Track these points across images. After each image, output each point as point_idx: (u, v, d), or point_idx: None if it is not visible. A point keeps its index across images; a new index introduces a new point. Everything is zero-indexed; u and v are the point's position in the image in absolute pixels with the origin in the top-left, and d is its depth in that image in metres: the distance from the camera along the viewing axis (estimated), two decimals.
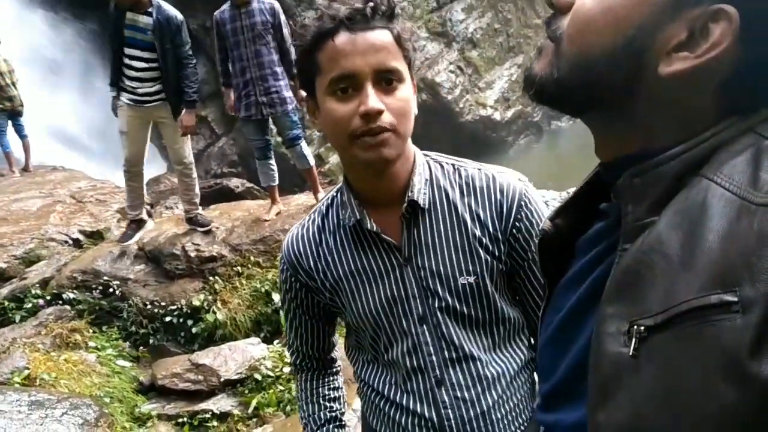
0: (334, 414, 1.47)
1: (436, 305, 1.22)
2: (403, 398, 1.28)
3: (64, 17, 11.99)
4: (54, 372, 3.93)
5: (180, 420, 3.88)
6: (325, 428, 1.45)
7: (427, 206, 1.22)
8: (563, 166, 9.12)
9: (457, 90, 10.75)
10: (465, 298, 1.22)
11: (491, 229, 1.23)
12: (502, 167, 1.31)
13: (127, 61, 4.68)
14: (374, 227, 1.22)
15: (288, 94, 4.96)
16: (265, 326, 4.68)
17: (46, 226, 6.19)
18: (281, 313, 4.50)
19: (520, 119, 11.70)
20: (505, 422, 1.26)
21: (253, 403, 3.84)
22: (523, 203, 1.24)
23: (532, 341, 1.36)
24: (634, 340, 0.54)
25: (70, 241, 6.01)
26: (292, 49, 4.97)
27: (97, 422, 3.37)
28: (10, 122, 9.13)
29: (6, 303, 4.90)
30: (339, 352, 1.54)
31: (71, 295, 4.86)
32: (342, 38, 1.10)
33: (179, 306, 4.78)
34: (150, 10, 4.59)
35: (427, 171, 1.25)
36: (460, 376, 1.24)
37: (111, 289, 4.91)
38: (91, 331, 4.64)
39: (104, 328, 4.75)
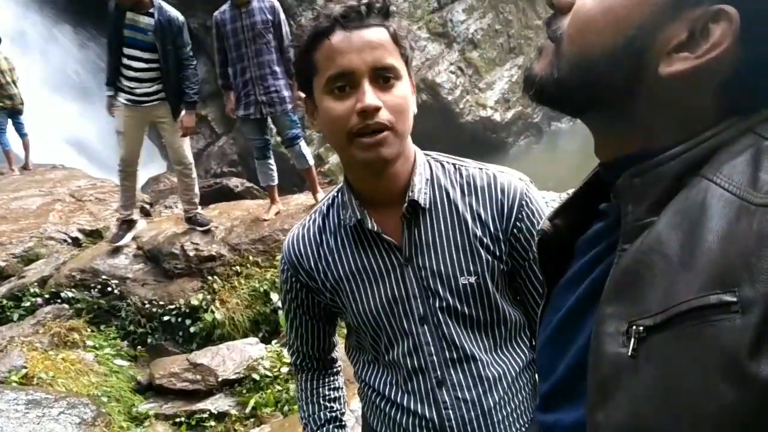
0: (334, 414, 1.47)
1: (437, 305, 1.22)
2: (403, 399, 1.27)
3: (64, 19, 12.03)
4: (51, 371, 3.93)
5: (177, 420, 3.87)
6: (325, 428, 1.45)
7: (427, 206, 1.22)
8: (563, 167, 9.12)
9: (458, 91, 10.76)
10: (466, 298, 1.22)
11: (492, 229, 1.22)
12: (504, 167, 1.31)
13: (125, 61, 4.68)
14: (375, 227, 1.22)
15: (287, 93, 4.97)
16: (264, 326, 4.68)
17: (46, 224, 6.20)
18: (280, 313, 4.51)
19: (520, 120, 11.71)
20: (507, 423, 1.26)
21: (251, 403, 3.83)
22: (524, 203, 1.23)
23: (534, 342, 1.35)
24: (633, 340, 0.54)
25: (69, 240, 6.01)
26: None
27: (95, 421, 3.36)
28: (10, 120, 9.13)
29: (4, 301, 4.90)
30: (339, 352, 1.53)
31: (69, 294, 4.86)
32: (338, 37, 1.10)
33: (178, 305, 4.78)
34: (151, 10, 4.59)
35: (427, 170, 1.25)
36: (461, 377, 1.24)
37: (109, 288, 4.91)
38: (89, 330, 4.63)
39: (102, 327, 4.75)
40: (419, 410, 1.25)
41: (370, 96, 1.08)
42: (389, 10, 1.14)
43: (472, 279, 1.21)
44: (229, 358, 4.20)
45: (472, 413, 1.23)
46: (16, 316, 4.75)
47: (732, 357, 0.47)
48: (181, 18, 4.72)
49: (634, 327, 0.54)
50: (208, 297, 4.80)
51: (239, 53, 4.86)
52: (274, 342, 4.43)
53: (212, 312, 4.65)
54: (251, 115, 4.97)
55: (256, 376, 4.01)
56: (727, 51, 0.56)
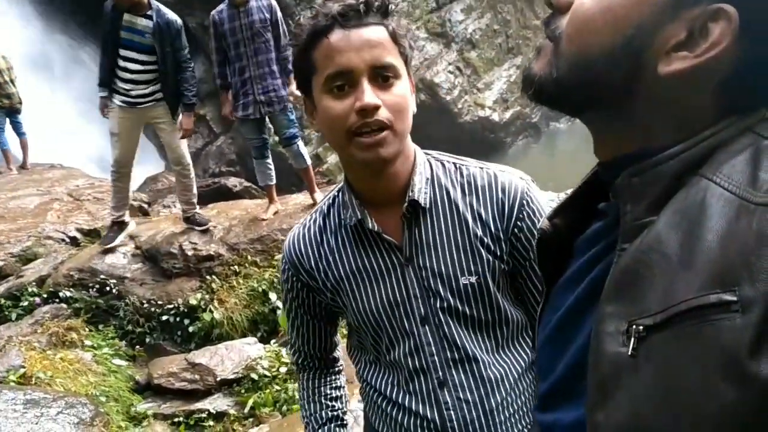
0: (335, 413, 1.46)
1: (438, 305, 1.22)
2: (405, 399, 1.27)
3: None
4: (50, 371, 3.92)
5: (176, 419, 3.87)
6: (326, 427, 1.44)
7: (428, 205, 1.22)
8: (561, 167, 9.12)
9: (456, 90, 10.76)
10: (467, 298, 1.21)
11: (493, 229, 1.22)
12: (505, 166, 1.30)
13: (121, 62, 4.66)
14: (375, 227, 1.21)
15: (285, 92, 4.96)
16: (262, 326, 4.68)
17: (44, 224, 6.18)
18: (278, 312, 4.51)
19: (518, 120, 11.71)
20: (509, 424, 1.25)
21: (250, 402, 3.83)
22: (525, 202, 1.22)
23: (535, 342, 1.35)
24: (633, 339, 0.54)
25: (68, 239, 6.00)
26: (290, 48, 4.97)
27: (93, 421, 3.36)
28: (7, 120, 9.12)
29: (2, 301, 4.88)
30: (341, 351, 1.53)
31: (68, 294, 4.85)
32: (336, 35, 1.10)
33: (176, 305, 4.77)
34: (149, 13, 4.58)
35: (428, 170, 1.25)
36: (463, 378, 1.23)
37: (108, 288, 4.90)
38: (87, 329, 4.63)
39: (101, 326, 4.75)
40: (421, 411, 1.25)
41: (369, 95, 1.08)
42: (388, 9, 1.13)
43: (473, 279, 1.20)
44: (227, 357, 4.19)
45: (474, 414, 1.23)
46: (14, 316, 4.75)
47: (732, 356, 0.47)
48: (179, 21, 4.73)
49: (634, 326, 0.54)
50: (207, 297, 4.79)
51: (238, 52, 4.86)
52: (272, 342, 4.43)
53: (210, 312, 4.64)
54: (250, 116, 4.96)
55: (254, 376, 4.00)
56: (726, 50, 0.56)
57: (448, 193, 1.23)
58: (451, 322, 1.22)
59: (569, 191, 0.79)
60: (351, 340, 1.42)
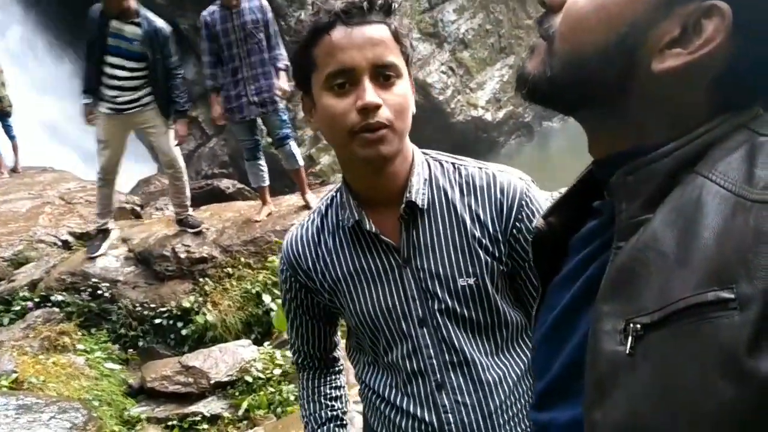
0: (335, 413, 1.45)
1: (436, 307, 1.21)
2: (403, 401, 1.26)
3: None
4: (42, 375, 3.90)
5: (170, 423, 3.87)
6: (325, 427, 1.43)
7: (426, 206, 1.20)
8: (554, 166, 9.15)
9: (449, 91, 10.77)
10: (465, 300, 1.20)
11: (491, 230, 1.21)
12: (504, 165, 1.29)
13: (108, 70, 4.63)
14: (373, 228, 1.21)
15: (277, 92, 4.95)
16: (256, 328, 4.67)
17: (35, 227, 6.15)
18: (272, 314, 4.50)
19: (511, 120, 11.74)
20: (508, 428, 1.24)
21: (244, 405, 3.82)
22: (524, 203, 1.21)
23: None
24: (630, 338, 0.53)
25: (59, 243, 5.97)
26: (279, 46, 4.96)
27: (86, 426, 3.34)
28: None
29: None
30: (342, 351, 1.53)
31: (60, 298, 4.83)
32: (338, 33, 1.09)
33: (169, 308, 4.77)
34: (137, 20, 4.57)
35: (426, 170, 1.23)
36: (461, 380, 1.22)
37: (100, 291, 4.88)
38: (79, 333, 4.61)
39: (93, 330, 4.73)
40: (419, 414, 1.24)
41: (370, 93, 1.07)
42: (391, 7, 1.13)
43: (471, 281, 1.19)
44: (221, 360, 4.18)
45: (472, 417, 1.22)
46: (6, 320, 4.72)
47: (730, 354, 0.47)
48: (168, 28, 4.73)
49: (631, 325, 0.54)
50: (200, 299, 4.78)
51: (230, 54, 4.84)
52: (266, 344, 4.42)
53: (204, 314, 4.63)
54: (246, 118, 4.95)
55: (248, 378, 3.99)
56: (719, 47, 0.56)
57: (446, 193, 1.22)
58: (449, 325, 1.21)
59: (563, 190, 0.79)
60: (350, 341, 1.41)
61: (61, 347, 4.39)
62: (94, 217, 5.31)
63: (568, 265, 0.71)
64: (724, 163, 0.54)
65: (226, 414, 3.84)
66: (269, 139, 5.41)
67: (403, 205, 1.19)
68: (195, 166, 10.28)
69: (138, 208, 7.31)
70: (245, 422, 3.77)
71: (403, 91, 1.12)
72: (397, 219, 1.20)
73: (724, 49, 0.56)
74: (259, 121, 5.13)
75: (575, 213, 0.75)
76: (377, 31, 1.10)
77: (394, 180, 1.20)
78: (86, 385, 4.01)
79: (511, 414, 1.25)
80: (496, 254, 1.21)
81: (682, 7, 0.57)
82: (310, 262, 1.29)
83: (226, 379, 4.05)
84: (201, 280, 4.90)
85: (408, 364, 1.24)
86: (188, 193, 5.22)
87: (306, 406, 1.47)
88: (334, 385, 1.48)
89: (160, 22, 4.69)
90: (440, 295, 1.20)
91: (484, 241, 1.20)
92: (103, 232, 5.21)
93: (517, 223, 1.20)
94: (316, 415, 1.44)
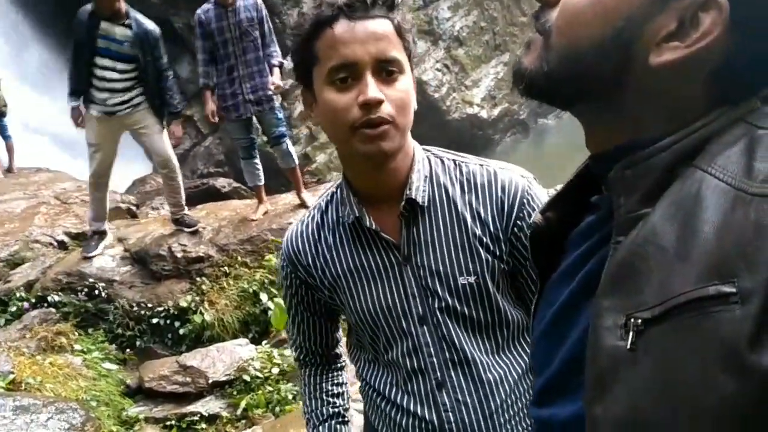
0: (336, 410, 1.45)
1: (436, 305, 1.20)
2: (403, 399, 1.26)
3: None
4: (39, 376, 3.89)
5: (168, 423, 3.85)
6: (327, 424, 1.43)
7: (426, 204, 1.20)
8: (550, 163, 9.15)
9: (444, 88, 10.78)
10: (465, 298, 1.19)
11: (492, 228, 1.20)
12: (506, 163, 1.28)
13: (98, 72, 4.61)
14: (373, 225, 1.20)
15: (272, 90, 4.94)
16: (253, 327, 4.66)
17: (31, 227, 6.12)
18: (269, 313, 4.50)
19: (506, 117, 11.75)
20: (509, 427, 1.23)
21: (242, 404, 3.82)
22: (525, 201, 1.20)
23: None
24: (631, 333, 0.53)
25: (55, 243, 5.94)
26: (273, 43, 4.95)
27: (84, 426, 3.33)
28: None
29: None
30: (344, 348, 1.52)
31: (56, 298, 4.81)
32: (341, 26, 1.08)
33: (166, 307, 4.75)
34: (127, 22, 4.55)
35: (426, 167, 1.23)
36: (462, 379, 1.21)
37: (96, 291, 4.86)
38: (76, 333, 4.59)
39: (90, 330, 4.71)
40: (419, 412, 1.23)
41: (373, 89, 1.06)
42: (394, 2, 1.11)
43: (472, 279, 1.18)
44: (219, 359, 4.17)
45: (473, 416, 1.21)
46: (2, 321, 4.70)
47: (732, 348, 0.47)
48: (158, 30, 4.72)
49: (632, 320, 0.54)
50: (197, 298, 4.77)
51: (226, 52, 4.83)
52: (264, 343, 4.41)
53: (201, 313, 4.62)
54: (242, 116, 4.94)
55: (246, 378, 3.98)
56: (717, 40, 0.56)
57: (446, 191, 1.21)
58: (449, 323, 1.20)
59: (559, 187, 0.79)
60: (351, 339, 1.40)
61: (58, 348, 4.38)
62: (89, 220, 5.28)
63: (566, 261, 0.71)
64: (723, 157, 0.54)
65: (224, 413, 3.83)
66: (264, 138, 5.40)
67: (403, 202, 1.18)
68: (190, 165, 10.27)
69: (134, 208, 7.30)
70: (243, 421, 3.76)
71: (405, 86, 1.11)
72: (398, 216, 1.20)
73: (721, 42, 0.56)
74: (255, 119, 5.12)
75: (573, 208, 0.74)
76: (380, 25, 1.09)
77: (395, 176, 1.19)
78: (84, 385, 4.00)
79: (511, 413, 1.24)
80: (497, 252, 1.20)
81: (678, 1, 0.57)
82: (309, 259, 1.29)
83: (224, 378, 4.04)
84: (198, 279, 4.89)
85: (408, 362, 1.23)
86: (183, 191, 5.20)
87: (308, 403, 1.46)
88: (335, 381, 1.47)
89: (149, 24, 4.68)
90: (440, 293, 1.19)
91: (484, 239, 1.19)
92: (99, 234, 5.20)
93: (519, 222, 1.19)
94: (318, 411, 1.44)
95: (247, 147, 5.14)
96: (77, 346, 4.45)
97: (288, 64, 7.33)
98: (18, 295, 4.90)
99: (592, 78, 0.62)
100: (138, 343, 4.69)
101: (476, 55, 11.43)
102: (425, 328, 1.21)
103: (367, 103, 1.06)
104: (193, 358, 4.22)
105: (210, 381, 4.02)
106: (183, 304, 4.72)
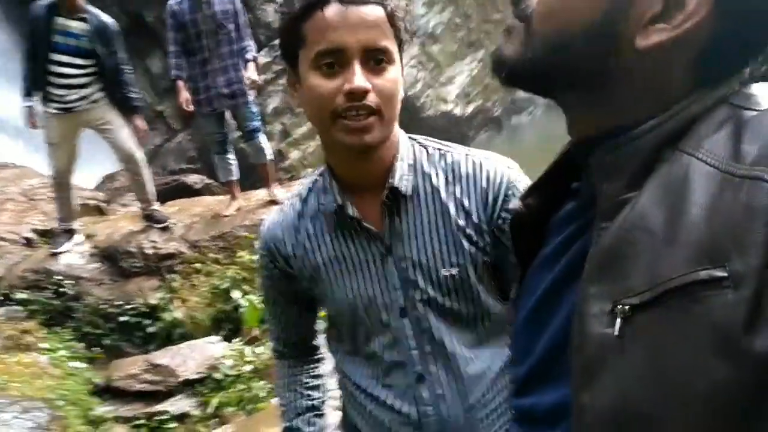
0: (313, 402, 1.41)
1: (418, 297, 1.17)
2: (382, 393, 1.23)
3: None
4: (5, 375, 3.81)
5: (137, 422, 3.79)
6: (302, 417, 1.39)
7: (409, 193, 1.17)
8: (524, 160, 9.18)
9: (419, 85, 10.78)
10: (447, 290, 1.17)
11: (476, 219, 1.17)
12: (492, 153, 1.26)
13: (55, 68, 4.47)
14: (356, 213, 1.17)
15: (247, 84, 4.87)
16: (226, 324, 4.60)
17: None
18: (241, 310, 4.46)
19: (480, 114, 11.81)
20: (489, 421, 1.21)
21: (213, 402, 3.77)
22: (510, 192, 1.17)
23: None
24: (618, 320, 0.52)
25: (22, 240, 5.82)
26: (248, 37, 4.89)
27: (49, 425, 3.28)
28: None
29: None
30: (323, 339, 1.49)
31: (22, 296, 4.70)
32: (332, 10, 1.04)
33: (135, 305, 4.67)
34: (84, 16, 4.46)
35: (411, 155, 1.20)
36: (442, 373, 1.19)
37: (63, 289, 4.76)
38: (43, 332, 4.50)
39: (57, 329, 4.61)
40: (397, 405, 1.21)
41: (359, 77, 1.03)
42: None
43: (454, 270, 1.16)
44: (190, 357, 4.12)
45: (452, 410, 1.19)
46: None
47: (724, 333, 0.46)
48: (115, 24, 4.64)
49: (619, 306, 0.52)
50: (168, 296, 4.70)
51: (200, 45, 4.75)
52: (236, 340, 4.36)
53: (171, 311, 4.56)
54: (215, 110, 4.87)
55: (218, 376, 3.94)
56: (702, 21, 0.55)
57: (430, 180, 1.19)
58: (430, 315, 1.18)
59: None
60: (330, 331, 1.37)
61: (25, 346, 4.29)
62: (58, 221, 5.17)
63: (547, 248, 0.70)
64: (710, 141, 0.54)
65: (195, 412, 3.79)
66: (238, 134, 5.33)
67: (386, 191, 1.15)
68: (161, 162, 10.11)
69: (103, 205, 7.16)
70: (215, 420, 3.72)
71: (394, 76, 1.09)
72: (381, 205, 1.17)
73: (707, 24, 0.55)
74: (228, 114, 5.05)
75: (553, 195, 0.73)
76: (373, 12, 1.06)
77: (379, 164, 1.16)
78: (50, 384, 3.91)
79: (491, 407, 1.22)
80: (481, 244, 1.17)
81: None
82: (289, 248, 1.25)
83: (195, 376, 3.98)
84: (168, 276, 4.82)
85: (388, 355, 1.21)
86: (151, 186, 5.10)
87: (283, 395, 1.42)
88: (313, 374, 1.44)
89: (106, 18, 4.58)
90: (422, 285, 1.17)
91: (468, 230, 1.17)
92: (69, 231, 5.10)
93: (503, 213, 1.17)
94: (293, 404, 1.40)
95: (221, 141, 5.06)
96: (44, 345, 4.36)
97: (262, 59, 7.22)
98: None
99: (580, 63, 0.61)
100: (106, 341, 4.60)
101: (451, 52, 11.45)
102: (406, 320, 1.18)
103: (352, 92, 1.03)
104: (164, 356, 4.16)
105: (180, 379, 3.97)
106: (153, 301, 4.66)
